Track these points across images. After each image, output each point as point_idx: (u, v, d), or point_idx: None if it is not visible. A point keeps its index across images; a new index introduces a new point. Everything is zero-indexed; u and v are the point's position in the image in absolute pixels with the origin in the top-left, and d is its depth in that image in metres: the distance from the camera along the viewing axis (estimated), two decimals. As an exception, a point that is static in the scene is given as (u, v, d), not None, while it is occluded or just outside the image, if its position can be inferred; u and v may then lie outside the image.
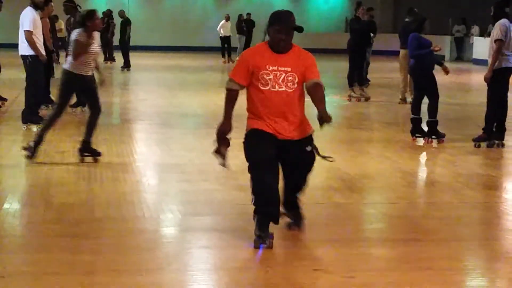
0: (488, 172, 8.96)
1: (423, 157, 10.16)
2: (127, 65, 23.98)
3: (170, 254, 5.66)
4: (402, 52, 15.22)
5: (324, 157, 5.83)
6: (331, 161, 5.92)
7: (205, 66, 26.34)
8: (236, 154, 9.47)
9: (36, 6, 11.13)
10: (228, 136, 6.03)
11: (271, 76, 5.67)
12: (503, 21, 10.00)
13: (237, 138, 10.16)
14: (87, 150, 8.83)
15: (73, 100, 11.41)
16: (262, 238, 5.69)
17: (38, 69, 11.16)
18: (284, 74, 5.67)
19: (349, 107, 15.11)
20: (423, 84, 10.58)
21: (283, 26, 5.65)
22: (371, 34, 17.31)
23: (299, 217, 6.18)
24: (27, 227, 6.36)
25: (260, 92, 5.75)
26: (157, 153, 9.79)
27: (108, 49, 26.74)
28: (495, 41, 9.92)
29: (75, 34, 8.73)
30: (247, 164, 5.81)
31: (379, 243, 6.08)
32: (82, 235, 5.98)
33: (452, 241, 6.06)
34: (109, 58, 26.67)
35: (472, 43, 30.44)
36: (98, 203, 6.93)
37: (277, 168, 5.80)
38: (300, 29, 5.71)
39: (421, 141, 10.53)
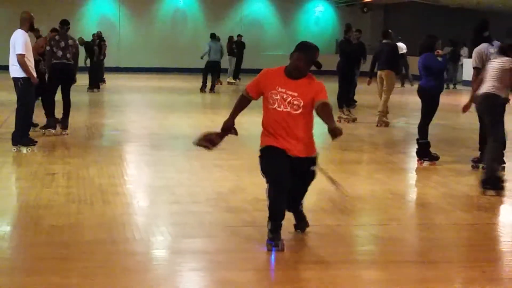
0: (479, 194, 8.95)
1: (413, 178, 10.17)
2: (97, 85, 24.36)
3: (160, 276, 5.63)
4: (380, 73, 15.27)
5: (335, 184, 6.57)
6: (346, 194, 6.81)
7: (195, 88, 26.32)
8: (227, 176, 9.51)
9: (30, 28, 11.20)
10: (232, 130, 6.65)
11: (278, 97, 6.15)
12: (480, 47, 9.99)
13: (227, 159, 10.19)
14: None
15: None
16: (274, 240, 6.11)
17: (29, 92, 11.14)
18: (290, 98, 6.11)
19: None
20: (426, 105, 10.54)
21: (305, 56, 6.11)
22: (361, 58, 17.45)
23: (304, 220, 6.65)
24: (16, 249, 6.32)
25: (267, 110, 6.27)
26: (148, 175, 9.77)
27: (99, 71, 26.67)
28: (473, 68, 9.99)
29: None
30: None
31: (370, 265, 6.06)
32: (72, 258, 5.94)
33: (443, 263, 6.05)
34: (95, 85, 26.56)
35: (461, 64, 30.54)
36: (88, 225, 6.89)
37: (289, 180, 6.17)
38: (318, 65, 6.16)
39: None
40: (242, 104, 6.57)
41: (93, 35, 28.18)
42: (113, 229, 6.77)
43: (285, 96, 6.11)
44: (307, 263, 6.06)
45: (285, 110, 6.13)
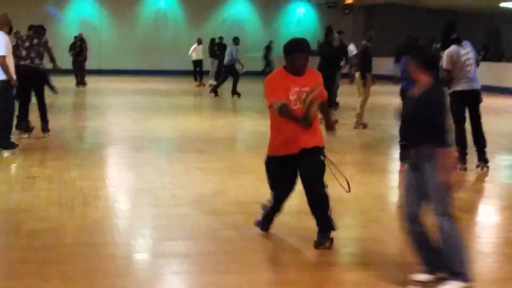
0: (459, 195, 8.98)
1: (395, 180, 10.20)
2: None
3: (142, 280, 5.62)
4: (357, 74, 15.29)
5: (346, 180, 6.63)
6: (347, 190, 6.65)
7: (177, 90, 26.32)
8: (209, 179, 9.50)
9: (9, 30, 11.14)
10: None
11: (295, 96, 6.23)
12: (450, 49, 10.12)
13: (210, 162, 10.18)
14: None
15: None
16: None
17: (9, 94, 11.09)
18: (305, 94, 6.21)
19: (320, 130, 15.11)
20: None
21: (306, 54, 6.32)
22: (342, 60, 17.49)
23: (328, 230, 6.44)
24: (-4, 254, 6.28)
25: None
26: (129, 178, 9.75)
27: (80, 73, 26.66)
28: (444, 70, 10.12)
29: None
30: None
31: (351, 267, 6.07)
32: (52, 262, 5.91)
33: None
34: (81, 82, 26.57)
35: (441, 65, 30.69)
36: (69, 229, 6.87)
37: (293, 186, 6.56)
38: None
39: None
40: (289, 111, 6.21)
41: (75, 37, 28.14)
42: (94, 233, 6.75)
43: (300, 94, 6.22)
44: (290, 266, 6.06)
45: (300, 106, 6.21)
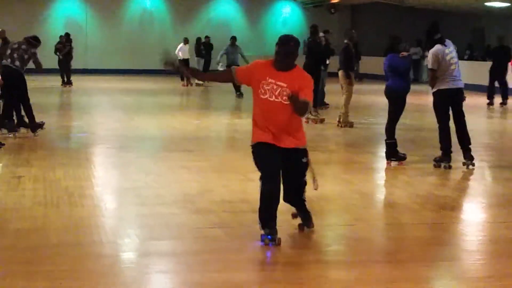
0: (445, 193, 9.04)
1: (381, 178, 10.23)
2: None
3: (128, 279, 5.60)
4: (341, 73, 15.27)
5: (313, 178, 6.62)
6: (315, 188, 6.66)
7: (163, 89, 26.27)
8: (194, 178, 9.50)
9: None
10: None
11: (269, 87, 6.28)
12: (434, 49, 10.18)
13: (196, 161, 10.18)
14: None
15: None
16: (272, 235, 6.29)
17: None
18: (280, 89, 6.25)
19: (306, 129, 15.12)
20: (393, 105, 10.64)
21: (284, 49, 6.32)
22: (328, 59, 17.50)
23: (308, 217, 6.82)
24: (-19, 253, 6.25)
25: (260, 100, 6.34)
26: (115, 177, 9.73)
27: (66, 73, 26.58)
28: (429, 69, 10.24)
29: None
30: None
31: (338, 265, 6.08)
32: (38, 262, 5.89)
33: (410, 262, 6.09)
34: (67, 82, 26.48)
35: (427, 64, 30.79)
36: (54, 229, 6.84)
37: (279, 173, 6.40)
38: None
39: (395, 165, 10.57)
40: (222, 75, 6.61)
41: (60, 36, 28.04)
42: (80, 232, 6.73)
43: (275, 87, 6.25)
44: (276, 264, 6.07)
45: (276, 100, 6.25)
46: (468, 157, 10.30)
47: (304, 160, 6.49)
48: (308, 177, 6.62)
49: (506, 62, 21.50)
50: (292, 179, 6.51)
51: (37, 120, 13.29)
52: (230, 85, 23.70)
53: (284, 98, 6.22)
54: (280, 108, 6.26)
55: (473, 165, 10.27)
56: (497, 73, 20.93)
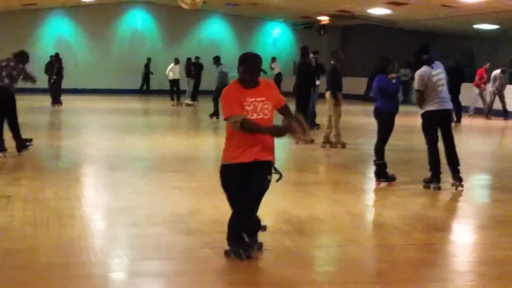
0: (435, 214, 9.06)
1: (371, 199, 10.24)
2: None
3: (118, 300, 5.57)
4: (328, 94, 15.31)
5: (278, 175, 6.57)
6: (278, 179, 6.57)
7: (153, 109, 26.29)
8: (185, 198, 9.48)
9: None
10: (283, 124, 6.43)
11: (251, 107, 6.36)
12: (421, 70, 10.29)
13: (185, 181, 10.17)
14: None
15: None
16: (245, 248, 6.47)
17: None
18: (261, 104, 6.39)
19: (297, 150, 15.18)
20: (382, 126, 10.68)
21: (249, 67, 6.39)
22: (318, 79, 17.58)
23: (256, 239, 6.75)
24: (-30, 274, 6.21)
25: None
26: (105, 197, 9.70)
27: (56, 93, 26.59)
28: (416, 90, 10.38)
29: None
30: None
31: (329, 286, 6.06)
32: (27, 283, 5.85)
33: (401, 283, 6.08)
34: (57, 101, 26.48)
35: (414, 86, 30.94)
36: (44, 249, 6.81)
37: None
38: (264, 71, 6.63)
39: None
40: (251, 123, 6.31)
41: (51, 56, 28.07)
42: (70, 252, 6.70)
43: (256, 104, 6.37)
44: (266, 285, 6.05)
45: (258, 117, 6.35)
46: (457, 179, 10.34)
47: (268, 177, 6.47)
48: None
49: (459, 83, 22.43)
50: (253, 195, 6.46)
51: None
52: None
53: (265, 112, 6.39)
54: (264, 123, 6.37)
55: (462, 186, 10.32)
56: (451, 93, 21.40)
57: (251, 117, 6.34)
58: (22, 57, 13.14)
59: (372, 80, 10.79)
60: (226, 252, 6.57)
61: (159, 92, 33.83)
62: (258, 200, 6.51)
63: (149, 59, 35.81)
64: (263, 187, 6.47)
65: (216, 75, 22.29)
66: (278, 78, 31.38)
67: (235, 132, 6.40)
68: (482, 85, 25.10)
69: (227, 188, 6.56)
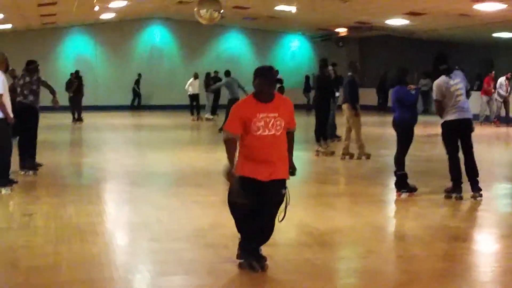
0: (456, 224, 9.01)
1: (392, 210, 10.21)
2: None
3: (140, 315, 5.59)
4: (345, 106, 15.29)
5: (284, 210, 6.44)
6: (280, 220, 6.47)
7: (173, 125, 26.36)
8: (205, 212, 9.49)
9: (6, 69, 11.24)
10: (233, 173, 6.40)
11: (262, 123, 6.28)
12: (439, 80, 10.26)
13: (206, 195, 10.17)
14: None
15: None
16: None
17: (6, 132, 11.09)
18: (273, 120, 6.30)
19: (317, 162, 15.17)
20: (401, 137, 10.66)
21: (265, 80, 6.32)
22: (337, 91, 17.59)
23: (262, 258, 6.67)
24: (-7, 291, 6.25)
25: (253, 137, 6.32)
26: (126, 213, 9.73)
27: (77, 110, 26.79)
28: (434, 101, 10.36)
29: None
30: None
31: (350, 299, 6.05)
32: (50, 299, 5.88)
33: (423, 294, 6.06)
34: (78, 119, 26.67)
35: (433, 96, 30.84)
36: (66, 266, 6.84)
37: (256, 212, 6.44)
38: (280, 81, 6.26)
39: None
40: (231, 148, 6.41)
41: (71, 74, 28.30)
42: (92, 269, 6.72)
43: (268, 120, 6.29)
44: (287, 298, 6.05)
45: (269, 133, 6.30)
46: (476, 189, 10.28)
47: (283, 191, 6.44)
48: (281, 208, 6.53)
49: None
50: (269, 211, 6.45)
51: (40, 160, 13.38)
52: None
53: (277, 128, 6.32)
54: (272, 140, 6.32)
55: (481, 196, 10.26)
56: None
57: (262, 133, 6.28)
58: (32, 66, 13.21)
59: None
60: (240, 265, 6.61)
61: (179, 107, 33.99)
62: (273, 217, 6.50)
63: (139, 75, 36.13)
64: (280, 200, 6.45)
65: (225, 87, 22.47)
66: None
67: (243, 143, 6.40)
68: (492, 91, 25.28)
69: (236, 214, 6.61)
